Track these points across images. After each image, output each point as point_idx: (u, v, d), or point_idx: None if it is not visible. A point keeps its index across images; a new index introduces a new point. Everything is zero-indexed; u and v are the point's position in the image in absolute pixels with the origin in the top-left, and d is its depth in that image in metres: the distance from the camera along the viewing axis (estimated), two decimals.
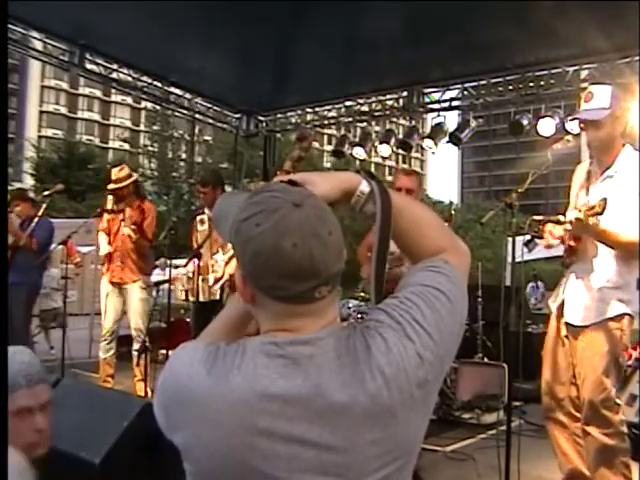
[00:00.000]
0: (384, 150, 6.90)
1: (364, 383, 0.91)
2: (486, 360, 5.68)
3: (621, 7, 4.24)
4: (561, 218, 2.87)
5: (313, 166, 26.48)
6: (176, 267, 5.33)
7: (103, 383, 4.98)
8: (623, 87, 4.48)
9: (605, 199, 2.60)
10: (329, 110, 7.33)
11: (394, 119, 8.81)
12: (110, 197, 5.10)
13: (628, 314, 2.81)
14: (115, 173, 5.09)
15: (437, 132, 6.50)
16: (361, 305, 6.77)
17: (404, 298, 1.01)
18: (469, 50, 5.39)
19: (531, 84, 5.72)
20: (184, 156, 31.40)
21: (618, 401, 2.88)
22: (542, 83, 5.67)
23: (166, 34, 5.34)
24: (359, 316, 6.10)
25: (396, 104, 6.75)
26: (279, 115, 7.81)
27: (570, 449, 2.95)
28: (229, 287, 4.82)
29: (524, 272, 3.46)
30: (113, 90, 28.48)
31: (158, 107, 17.60)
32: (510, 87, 5.87)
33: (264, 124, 7.94)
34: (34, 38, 5.73)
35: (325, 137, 36.42)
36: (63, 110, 53.14)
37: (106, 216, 5.11)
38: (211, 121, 7.92)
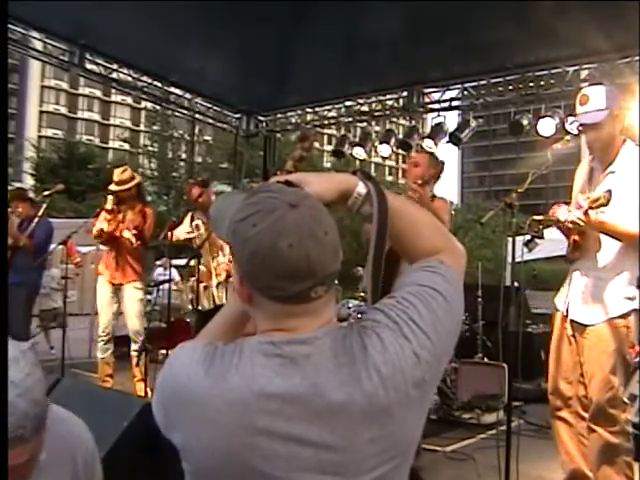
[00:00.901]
0: (384, 150, 6.90)
1: (361, 382, 0.91)
2: (486, 360, 5.67)
3: (621, 7, 4.24)
4: (561, 218, 2.86)
5: (313, 166, 26.48)
6: (176, 267, 5.34)
7: (102, 383, 4.98)
8: (623, 87, 4.48)
9: (610, 191, 2.60)
10: (329, 110, 7.33)
11: (394, 119, 8.80)
12: (110, 197, 5.08)
13: (635, 310, 2.80)
14: (118, 175, 5.05)
15: (437, 132, 6.49)
16: (361, 305, 6.78)
17: (401, 298, 1.01)
18: (469, 50, 5.39)
19: (531, 84, 5.72)
20: (184, 156, 31.39)
21: (625, 400, 2.87)
22: (542, 83, 5.66)
23: (166, 34, 5.34)
24: (359, 316, 6.12)
25: (396, 104, 6.75)
26: (279, 115, 7.80)
27: (574, 449, 2.95)
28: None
29: (524, 272, 3.46)
30: (113, 90, 28.49)
31: (158, 107, 17.59)
32: (510, 87, 5.87)
33: (264, 124, 7.94)
34: (34, 38, 5.72)
35: (325, 137, 36.41)
36: (63, 110, 53.14)
37: (104, 215, 5.06)
38: (211, 121, 7.92)
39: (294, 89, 6.85)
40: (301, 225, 0.91)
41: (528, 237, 3.13)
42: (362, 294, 5.07)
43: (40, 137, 46.22)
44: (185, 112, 7.49)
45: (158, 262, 9.72)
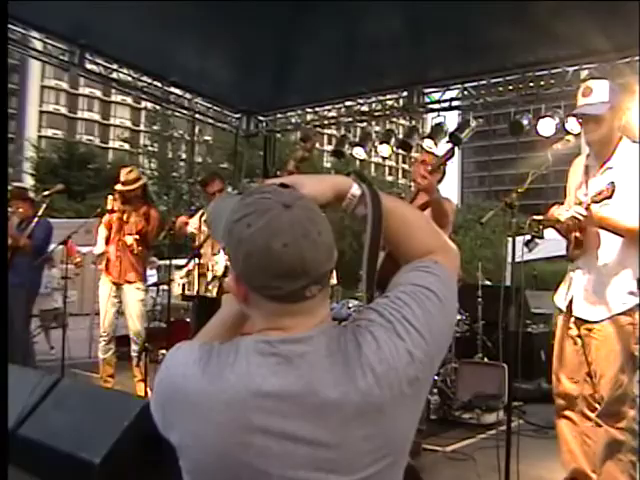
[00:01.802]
0: (384, 150, 6.90)
1: (355, 380, 0.92)
2: (486, 360, 5.67)
3: (621, 7, 4.24)
4: (561, 218, 2.86)
5: (313, 166, 26.48)
6: (177, 267, 5.34)
7: (104, 383, 4.98)
8: (623, 87, 4.48)
9: (613, 182, 2.61)
10: (329, 110, 7.33)
11: (394, 119, 8.81)
12: (110, 197, 5.07)
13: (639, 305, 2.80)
14: (124, 174, 5.02)
15: (437, 132, 6.49)
16: (361, 305, 6.79)
17: (395, 297, 1.02)
18: (469, 50, 5.39)
19: (531, 84, 5.72)
20: (184, 156, 31.41)
21: (635, 395, 2.87)
22: (542, 83, 5.67)
23: (166, 34, 5.34)
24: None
25: (396, 104, 6.75)
26: (279, 115, 7.81)
27: (577, 448, 2.95)
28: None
29: (524, 272, 3.45)
30: (113, 90, 28.52)
31: (158, 107, 17.60)
32: (510, 87, 5.87)
33: (264, 124, 7.94)
34: (34, 38, 5.72)
35: (325, 137, 36.40)
36: (63, 110, 53.10)
37: (107, 218, 5.05)
38: (211, 121, 7.93)
39: (294, 89, 6.85)
40: (295, 225, 0.92)
41: (528, 237, 3.13)
42: (362, 294, 5.05)
43: (40, 137, 46.22)
44: (185, 112, 7.49)
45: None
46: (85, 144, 40.52)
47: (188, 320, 6.84)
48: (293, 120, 7.74)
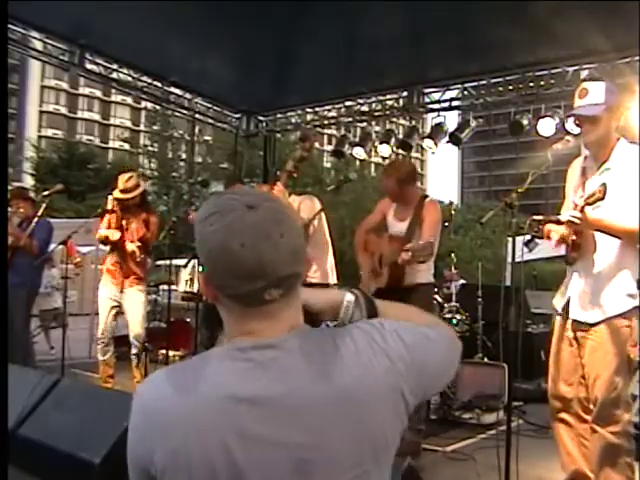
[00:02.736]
0: (384, 150, 6.90)
1: (332, 380, 0.93)
2: (486, 360, 5.67)
3: (621, 7, 4.24)
4: (561, 218, 2.86)
5: (313, 166, 26.49)
6: (183, 266, 5.34)
7: (104, 384, 4.96)
8: (623, 87, 4.48)
9: (605, 184, 2.59)
10: (329, 110, 7.34)
11: (394, 119, 8.81)
12: (110, 197, 5.05)
13: (637, 308, 2.79)
14: (123, 182, 4.88)
15: (437, 132, 6.50)
16: None
17: (384, 320, 1.06)
18: (469, 50, 5.39)
19: (531, 84, 5.73)
20: (184, 156, 31.41)
21: (629, 399, 2.86)
22: (542, 83, 5.67)
23: (166, 34, 5.34)
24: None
25: (396, 104, 6.76)
26: (279, 115, 7.81)
27: (575, 450, 2.94)
28: None
29: (524, 272, 3.45)
30: (113, 90, 28.52)
31: (158, 107, 17.60)
32: (510, 87, 5.88)
33: (264, 124, 7.94)
34: (34, 38, 5.73)
35: (325, 137, 36.39)
36: (63, 110, 53.09)
37: (107, 218, 5.01)
38: (211, 121, 7.93)
39: (294, 89, 6.85)
40: (256, 226, 0.93)
41: (528, 237, 3.13)
42: None
43: (40, 137, 46.20)
44: (185, 112, 7.50)
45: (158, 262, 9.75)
46: (85, 144, 40.49)
47: (188, 320, 6.85)
48: (293, 120, 7.74)
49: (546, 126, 5.55)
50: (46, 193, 5.34)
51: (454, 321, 5.65)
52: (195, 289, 4.94)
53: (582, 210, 2.68)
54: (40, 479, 2.43)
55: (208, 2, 4.58)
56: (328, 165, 32.53)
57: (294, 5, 4.59)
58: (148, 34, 5.41)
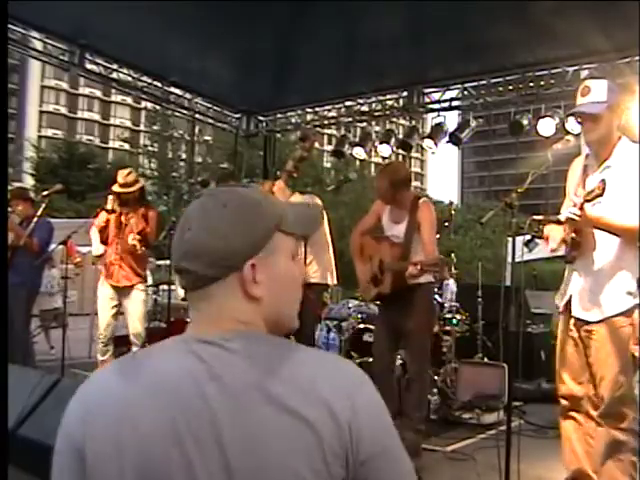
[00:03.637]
0: (384, 150, 6.90)
1: (269, 387, 0.89)
2: (486, 360, 5.67)
3: (621, 7, 4.24)
4: (561, 218, 2.86)
5: (314, 166, 26.50)
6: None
7: None
8: (623, 87, 4.48)
9: (603, 180, 2.59)
10: (329, 110, 7.33)
11: (394, 119, 8.80)
12: (110, 197, 5.05)
13: (638, 305, 2.79)
14: (122, 177, 4.95)
15: (437, 132, 6.50)
16: (361, 305, 6.78)
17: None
18: (469, 50, 5.39)
19: (531, 84, 5.73)
20: (184, 156, 31.42)
21: (635, 397, 2.86)
22: (542, 83, 5.67)
23: (166, 34, 5.34)
24: (359, 316, 6.12)
25: (396, 104, 6.75)
26: (279, 115, 7.81)
27: (580, 448, 2.94)
28: None
29: (524, 272, 3.46)
30: (113, 90, 28.53)
31: (158, 107, 17.60)
32: (510, 87, 5.88)
33: (264, 124, 7.94)
34: (34, 38, 5.72)
35: (325, 137, 36.40)
36: (63, 110, 53.10)
37: (105, 215, 5.03)
38: (211, 121, 7.93)
39: (294, 89, 6.85)
40: (187, 214, 0.99)
41: (528, 237, 3.12)
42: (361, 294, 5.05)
43: (40, 137, 46.22)
44: (185, 112, 7.49)
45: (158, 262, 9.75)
46: (85, 144, 40.50)
47: (188, 320, 6.85)
48: (293, 120, 7.74)
49: (546, 126, 5.55)
50: (46, 193, 5.34)
51: (454, 321, 5.64)
52: None
53: (581, 207, 2.68)
54: (40, 479, 2.43)
55: (208, 2, 4.58)
56: (328, 165, 32.54)
57: (294, 5, 4.59)
58: (148, 34, 5.41)
